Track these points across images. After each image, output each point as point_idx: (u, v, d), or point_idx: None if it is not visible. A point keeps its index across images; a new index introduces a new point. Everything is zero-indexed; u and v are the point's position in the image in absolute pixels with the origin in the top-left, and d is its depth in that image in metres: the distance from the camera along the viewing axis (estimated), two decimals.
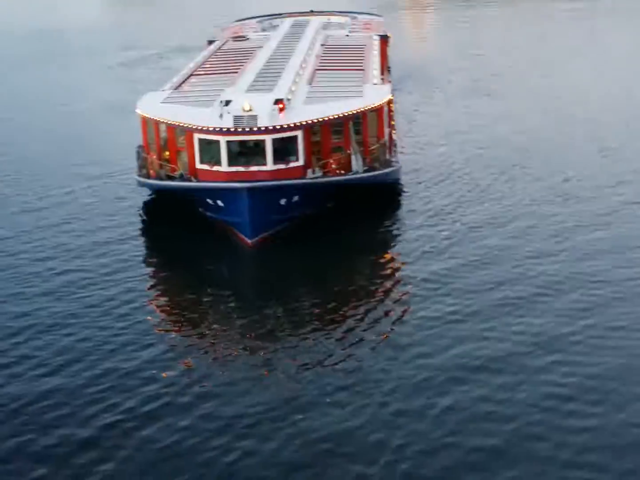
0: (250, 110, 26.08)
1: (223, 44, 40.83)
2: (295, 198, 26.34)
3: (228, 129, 25.81)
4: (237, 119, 25.97)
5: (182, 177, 27.22)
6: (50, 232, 27.74)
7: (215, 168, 26.28)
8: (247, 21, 49.82)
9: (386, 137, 28.93)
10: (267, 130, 25.76)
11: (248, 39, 42.08)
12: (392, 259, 25.70)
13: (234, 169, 26.03)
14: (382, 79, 33.84)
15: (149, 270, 25.68)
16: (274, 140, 25.92)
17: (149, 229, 28.22)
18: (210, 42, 42.40)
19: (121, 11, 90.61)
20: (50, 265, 25.36)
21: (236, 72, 32.78)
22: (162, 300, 24.00)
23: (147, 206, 29.60)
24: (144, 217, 28.92)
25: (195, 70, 34.64)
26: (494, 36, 64.63)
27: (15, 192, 31.72)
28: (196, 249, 26.45)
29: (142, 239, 27.45)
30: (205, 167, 26.52)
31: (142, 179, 28.31)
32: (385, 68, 40.31)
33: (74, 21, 78.77)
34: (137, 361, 20.09)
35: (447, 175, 31.34)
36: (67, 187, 31.73)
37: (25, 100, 46.60)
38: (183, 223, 27.65)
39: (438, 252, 25.30)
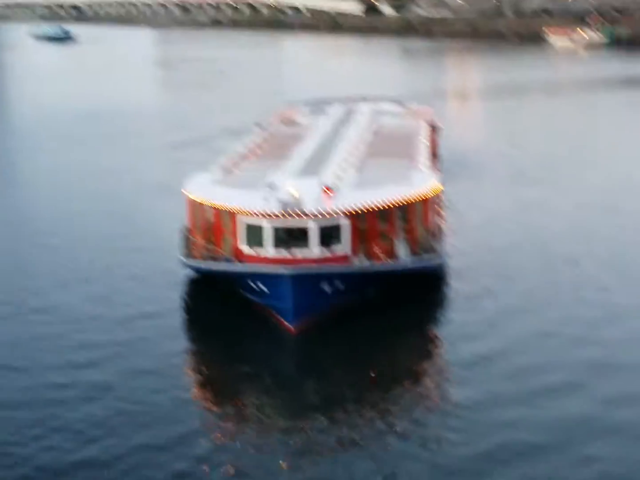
0: (296, 195, 25.93)
1: (273, 128, 41.22)
2: (339, 285, 25.89)
3: (273, 214, 25.68)
4: (283, 203, 25.86)
5: (225, 260, 27.02)
6: (89, 305, 28.02)
7: (259, 252, 26.09)
8: (298, 106, 50.18)
9: (433, 225, 28.46)
10: (312, 216, 25.55)
11: (298, 123, 42.41)
12: (433, 344, 25.26)
13: (278, 253, 25.80)
14: (431, 167, 33.56)
15: (187, 346, 25.60)
16: (320, 226, 25.70)
17: (190, 310, 28.09)
18: (260, 125, 42.76)
19: (174, 93, 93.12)
20: (88, 337, 25.45)
21: (284, 156, 32.89)
22: (198, 377, 23.79)
23: (190, 287, 29.50)
24: (186, 298, 28.83)
25: (243, 153, 34.89)
26: (541, 125, 64.14)
27: (55, 262, 32.34)
28: (236, 331, 26.19)
29: (181, 320, 27.30)
30: (249, 250, 26.36)
31: (185, 260, 28.23)
32: (434, 156, 40.09)
33: (127, 103, 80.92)
34: (169, 436, 19.91)
35: (493, 264, 30.68)
36: (108, 262, 32.06)
37: (74, 178, 47.75)
38: (225, 305, 27.43)
39: (481, 349, 24.51)
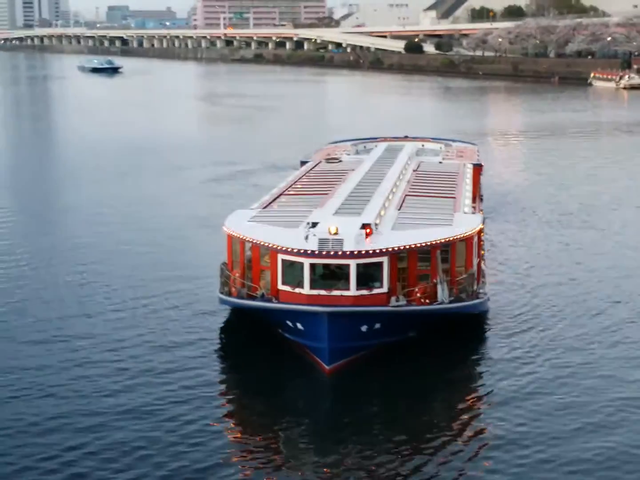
0: (336, 233, 25.52)
1: (315, 165, 40.88)
2: (377, 325, 25.32)
3: (312, 252, 25.25)
4: (322, 241, 25.42)
5: (263, 297, 26.65)
6: (125, 332, 27.87)
7: (297, 290, 25.63)
8: (341, 144, 49.96)
9: (474, 267, 27.78)
10: (351, 255, 25.06)
11: (341, 161, 42.02)
12: (472, 394, 24.25)
13: (315, 292, 25.31)
14: (474, 207, 32.93)
15: (220, 379, 25.10)
16: (359, 266, 25.17)
17: (225, 346, 27.57)
18: (304, 163, 42.48)
19: (217, 127, 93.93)
20: (123, 364, 25.31)
21: (326, 194, 32.50)
22: (232, 420, 23.09)
23: (227, 324, 29.07)
24: (222, 334, 28.36)
25: (285, 190, 34.54)
26: (586, 166, 63.16)
27: (95, 290, 32.32)
28: (272, 370, 25.57)
29: (217, 355, 26.80)
30: (287, 288, 25.91)
31: (223, 297, 27.90)
32: (477, 196, 39.43)
33: (171, 135, 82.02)
34: (199, 467, 19.87)
35: (537, 309, 29.63)
36: (147, 297, 31.65)
37: (117, 209, 47.66)
38: (261, 342, 26.94)
39: (521, 391, 23.68)
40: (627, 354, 26.18)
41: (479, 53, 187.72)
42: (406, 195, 32.32)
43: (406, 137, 50.84)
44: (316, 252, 25.17)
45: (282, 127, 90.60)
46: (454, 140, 51.46)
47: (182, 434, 21.50)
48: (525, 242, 39.71)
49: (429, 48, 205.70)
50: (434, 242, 26.12)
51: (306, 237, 25.77)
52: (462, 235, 26.95)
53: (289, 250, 25.69)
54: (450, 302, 26.06)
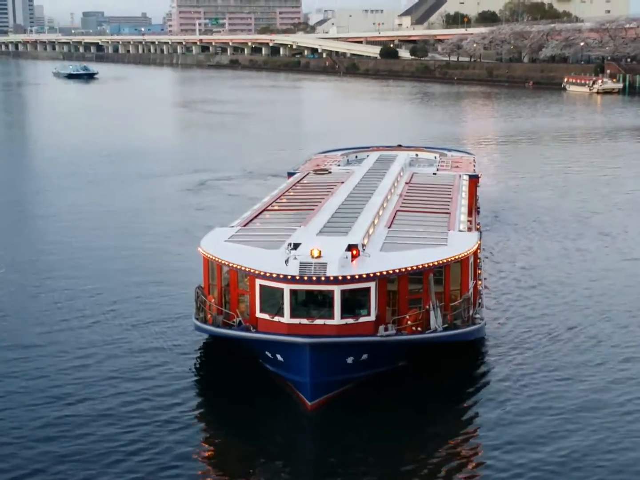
0: (319, 256, 22.79)
1: (303, 177, 37.95)
2: (364, 356, 22.71)
3: (293, 277, 22.48)
4: (303, 265, 22.66)
5: (240, 326, 23.90)
6: (95, 351, 25.73)
7: (277, 318, 22.87)
8: (331, 153, 47.10)
9: (470, 290, 25.18)
10: (335, 281, 22.33)
11: (330, 172, 39.23)
12: (465, 429, 21.81)
13: (296, 321, 22.59)
14: (469, 223, 30.42)
15: (193, 422, 22.28)
16: (343, 292, 22.43)
17: (202, 376, 25.00)
18: (291, 174, 39.48)
19: (193, 133, 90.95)
20: (91, 390, 23.47)
21: (312, 209, 29.78)
22: (208, 456, 20.83)
23: (204, 349, 26.48)
24: (198, 361, 25.82)
25: (269, 205, 31.73)
26: (572, 171, 61.28)
27: (65, 304, 30.24)
28: (249, 404, 22.97)
29: (191, 385, 24.22)
30: (266, 316, 23.17)
31: (198, 324, 25.14)
32: (473, 210, 36.86)
33: (146, 142, 79.24)
34: None
35: (537, 334, 27.19)
36: (118, 317, 29.19)
37: (88, 219, 45.12)
38: (239, 372, 24.44)
39: (517, 424, 21.43)
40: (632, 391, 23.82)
41: (454, 58, 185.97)
42: (397, 210, 29.69)
43: (400, 146, 48.30)
44: (297, 278, 22.44)
45: (260, 133, 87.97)
46: (449, 150, 48.76)
47: (150, 472, 19.53)
48: (523, 256, 37.18)
49: (404, 53, 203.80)
50: (426, 265, 23.48)
51: (286, 261, 23.03)
52: (457, 257, 24.32)
53: (267, 275, 22.96)
54: (444, 329, 23.47)
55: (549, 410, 22.22)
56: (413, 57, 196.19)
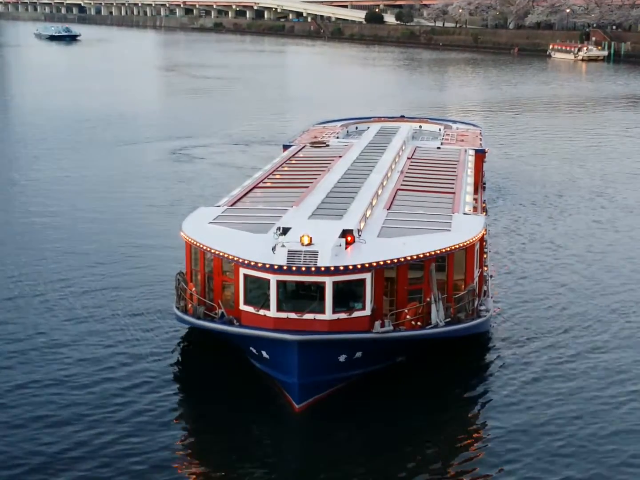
0: (310, 244, 20.17)
1: (299, 150, 35.11)
2: (358, 354, 20.32)
3: (280, 267, 19.90)
4: (292, 254, 20.06)
5: (222, 319, 21.31)
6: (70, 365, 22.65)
7: (262, 312, 20.35)
8: (330, 124, 44.04)
9: (475, 280, 22.63)
10: (327, 272, 19.76)
11: (328, 145, 36.37)
12: (465, 432, 19.72)
13: (284, 315, 20.08)
14: (475, 205, 27.86)
15: (175, 420, 20.20)
16: (336, 284, 19.88)
17: (183, 370, 22.64)
18: (287, 147, 36.59)
19: (177, 99, 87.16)
20: (69, 392, 21.07)
21: (307, 187, 27.11)
22: (188, 461, 18.73)
23: (187, 338, 24.04)
24: (181, 353, 23.46)
25: (260, 182, 28.95)
26: (584, 142, 58.60)
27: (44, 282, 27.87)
28: (235, 403, 20.70)
29: (172, 381, 21.91)
30: (250, 309, 20.62)
31: (179, 313, 22.54)
32: (480, 188, 34.23)
33: (128, 107, 76.01)
34: None
35: (546, 325, 24.85)
36: (96, 301, 26.78)
37: (68, 190, 42.50)
38: (224, 368, 22.13)
39: (522, 438, 19.16)
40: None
41: (439, 24, 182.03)
42: (398, 189, 27.03)
43: (402, 116, 45.48)
44: (284, 268, 19.87)
45: (247, 99, 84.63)
46: (454, 121, 45.90)
47: (130, 471, 17.88)
48: (532, 235, 34.65)
49: (389, 18, 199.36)
50: (427, 254, 20.90)
51: (274, 248, 20.37)
52: (461, 244, 21.77)
53: (252, 264, 20.34)
54: (446, 324, 20.99)
55: (558, 412, 19.95)
56: (398, 22, 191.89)
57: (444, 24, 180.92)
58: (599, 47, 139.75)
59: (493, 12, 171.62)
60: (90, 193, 41.57)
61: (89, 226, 35.49)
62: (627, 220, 37.27)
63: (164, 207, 38.65)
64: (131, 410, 20.21)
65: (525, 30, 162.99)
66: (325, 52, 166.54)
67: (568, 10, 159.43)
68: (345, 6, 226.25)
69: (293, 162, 32.82)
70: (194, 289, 22.55)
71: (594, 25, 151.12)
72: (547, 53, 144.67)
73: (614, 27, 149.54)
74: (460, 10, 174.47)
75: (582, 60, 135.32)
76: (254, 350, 20.77)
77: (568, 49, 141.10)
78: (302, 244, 20.15)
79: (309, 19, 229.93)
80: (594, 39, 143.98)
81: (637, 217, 38.11)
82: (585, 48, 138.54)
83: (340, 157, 32.29)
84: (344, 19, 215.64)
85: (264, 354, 20.40)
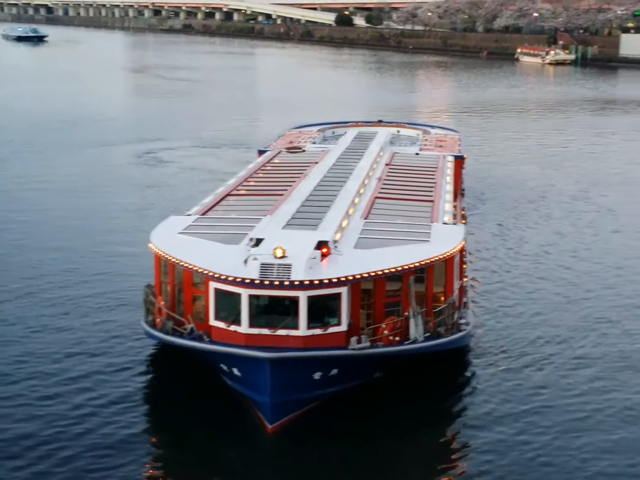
0: (283, 256, 19.18)
1: (274, 156, 34.07)
2: (334, 371, 19.40)
3: (252, 281, 18.87)
4: (264, 267, 19.06)
5: (191, 334, 20.22)
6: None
7: (233, 328, 19.31)
8: (307, 128, 43.02)
9: (455, 293, 21.77)
10: (301, 286, 18.79)
11: (304, 150, 35.40)
12: (447, 453, 18.80)
13: (256, 331, 19.06)
14: (455, 212, 27.08)
15: (141, 439, 19.16)
16: (310, 299, 18.90)
17: (150, 387, 21.55)
18: (262, 152, 35.51)
19: (145, 101, 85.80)
20: (34, 410, 19.88)
21: (281, 195, 26.11)
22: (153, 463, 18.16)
23: (154, 357, 22.90)
24: (149, 367, 22.39)
25: (233, 189, 27.89)
26: (557, 147, 58.09)
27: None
28: (204, 422, 19.64)
29: (139, 398, 20.84)
30: (221, 324, 19.58)
31: (146, 328, 21.41)
32: (458, 195, 33.45)
33: (95, 109, 74.45)
34: None
35: (526, 337, 24.09)
36: (61, 309, 25.70)
37: (29, 194, 41.08)
38: (193, 385, 21.09)
39: (506, 449, 18.39)
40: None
41: (408, 27, 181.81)
42: (376, 197, 26.11)
43: (380, 121, 44.58)
44: (257, 282, 18.82)
45: (217, 101, 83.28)
46: (432, 126, 44.98)
47: None
48: (511, 242, 33.93)
49: (359, 21, 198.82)
50: (406, 267, 19.98)
51: (246, 261, 19.33)
52: (441, 256, 20.85)
53: (222, 277, 19.29)
54: (426, 339, 20.08)
55: (538, 430, 19.15)
56: (368, 25, 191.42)
57: (413, 27, 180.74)
58: (566, 51, 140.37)
59: (462, 15, 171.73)
60: (56, 198, 40.22)
61: (54, 233, 34.21)
62: (606, 224, 36.86)
63: (134, 213, 37.45)
64: (93, 428, 19.20)
65: (493, 33, 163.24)
66: (296, 54, 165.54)
67: (536, 14, 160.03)
68: (315, 9, 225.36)
69: (268, 168, 31.82)
70: (162, 302, 21.44)
71: (562, 29, 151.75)
72: (515, 57, 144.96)
73: (581, 31, 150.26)
74: (430, 14, 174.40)
75: (550, 64, 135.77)
76: (225, 368, 19.76)
77: (536, 52, 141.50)
78: (276, 257, 19.19)
79: (279, 21, 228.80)
80: (561, 42, 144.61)
81: (615, 219, 37.74)
82: (552, 52, 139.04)
83: (316, 163, 31.36)
84: (313, 22, 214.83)
85: (236, 371, 19.41)
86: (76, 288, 27.71)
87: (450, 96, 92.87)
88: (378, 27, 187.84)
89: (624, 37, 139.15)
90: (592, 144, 59.76)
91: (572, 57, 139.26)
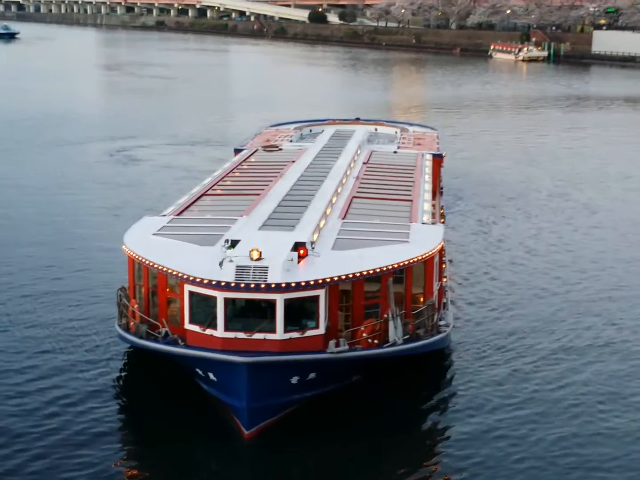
0: (259, 258, 18.69)
1: (251, 155, 33.46)
2: (312, 375, 18.95)
3: (227, 283, 18.37)
4: (240, 270, 18.55)
5: (166, 338, 19.67)
6: None
7: (209, 331, 18.80)
8: (284, 126, 42.44)
9: (435, 294, 21.39)
10: (278, 288, 18.30)
11: (281, 149, 34.83)
12: (427, 459, 18.38)
13: (232, 334, 18.55)
14: (434, 210, 26.67)
15: (114, 443, 18.63)
16: (287, 302, 18.44)
17: (125, 387, 21.07)
18: (238, 151, 34.85)
19: (118, 98, 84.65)
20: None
21: (258, 194, 25.58)
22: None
23: (128, 359, 22.28)
24: (123, 370, 21.78)
25: (209, 189, 27.28)
26: (532, 143, 58.04)
27: None
28: (179, 427, 19.06)
29: (111, 401, 20.24)
30: (196, 328, 19.04)
31: (121, 331, 20.85)
32: (437, 193, 33.06)
33: (68, 107, 73.36)
34: None
35: (505, 338, 23.74)
36: (34, 315, 24.83)
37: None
38: (168, 389, 20.50)
39: (487, 455, 18.04)
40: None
41: (382, 24, 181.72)
42: (354, 197, 25.63)
43: (358, 119, 44.03)
44: (232, 284, 18.32)
45: (191, 99, 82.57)
46: (410, 124, 44.50)
47: None
48: (489, 240, 33.63)
49: (333, 18, 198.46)
50: (385, 268, 19.56)
51: (221, 263, 18.82)
52: (420, 257, 20.45)
53: (197, 280, 18.76)
54: (405, 341, 19.68)
55: (518, 436, 18.87)
56: (342, 21, 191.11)
57: (386, 24, 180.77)
58: (539, 48, 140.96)
59: (435, 12, 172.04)
60: (27, 198, 39.35)
61: (25, 231, 33.46)
62: (585, 220, 36.90)
63: (107, 211, 36.79)
64: (65, 431, 18.68)
65: (467, 30, 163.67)
66: (270, 51, 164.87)
67: (509, 11, 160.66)
68: (289, 5, 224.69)
69: (244, 167, 31.26)
70: (136, 305, 20.88)
71: (534, 26, 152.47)
72: (489, 53, 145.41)
73: (554, 28, 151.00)
74: (403, 10, 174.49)
75: (523, 60, 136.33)
76: (201, 372, 19.26)
77: (509, 49, 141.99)
78: (252, 259, 18.69)
79: (252, 18, 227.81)
80: (534, 39, 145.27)
81: (593, 215, 37.77)
82: (525, 49, 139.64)
83: (293, 162, 30.85)
84: (287, 18, 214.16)
85: (211, 376, 18.91)
86: (47, 288, 27.05)
87: (425, 93, 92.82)
88: (351, 24, 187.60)
89: (596, 33, 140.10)
90: (568, 139, 60.00)
91: (545, 53, 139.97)
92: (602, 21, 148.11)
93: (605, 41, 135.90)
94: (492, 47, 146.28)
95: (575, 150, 55.69)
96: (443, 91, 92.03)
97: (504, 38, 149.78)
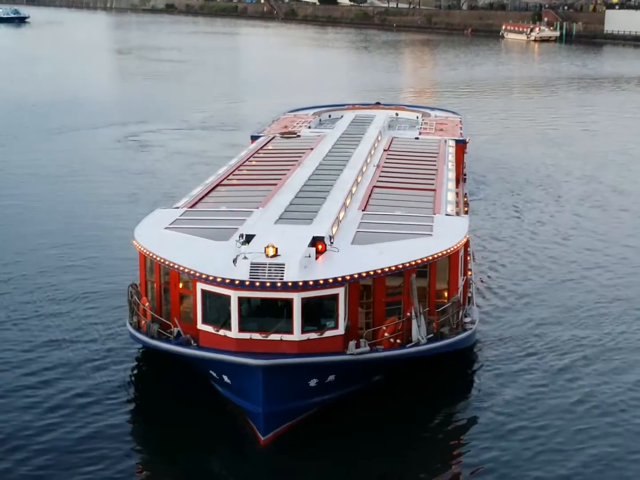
0: (275, 255, 17.50)
1: (268, 142, 32.14)
2: (331, 378, 17.84)
3: (241, 282, 17.20)
4: (255, 267, 17.37)
5: (178, 339, 18.57)
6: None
7: (223, 332, 17.66)
8: (303, 112, 40.94)
9: (460, 291, 20.14)
10: (295, 287, 17.12)
11: (299, 136, 33.43)
12: (449, 451, 17.54)
13: (247, 335, 17.42)
14: (457, 200, 25.31)
15: (127, 447, 17.66)
16: (305, 301, 17.25)
17: (137, 394, 19.94)
18: (255, 138, 33.56)
19: (130, 82, 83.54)
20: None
21: (275, 184, 24.36)
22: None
23: (140, 359, 21.28)
24: (132, 374, 20.69)
25: (224, 178, 26.04)
26: (551, 126, 56.34)
27: None
28: (193, 431, 18.00)
29: (126, 407, 19.20)
30: (209, 328, 17.91)
31: (132, 330, 19.77)
32: (460, 180, 31.60)
33: (80, 92, 72.14)
34: None
35: (533, 334, 22.46)
36: (45, 310, 23.79)
37: (10, 182, 39.10)
38: (182, 391, 19.45)
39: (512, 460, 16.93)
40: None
41: (392, 5, 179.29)
42: (374, 187, 24.34)
43: (378, 103, 42.48)
44: (247, 283, 17.14)
45: (203, 83, 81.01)
46: (432, 109, 42.87)
47: None
48: (515, 230, 32.20)
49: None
50: (407, 264, 18.32)
51: (235, 260, 17.64)
52: (445, 252, 19.20)
53: (210, 278, 17.60)
54: (429, 340, 18.50)
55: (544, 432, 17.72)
56: (352, 3, 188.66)
57: (397, 5, 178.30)
58: (551, 28, 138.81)
59: None
60: (37, 187, 38.34)
61: (33, 225, 32.34)
62: (614, 203, 35.51)
63: (119, 198, 35.80)
64: (77, 436, 17.74)
65: (478, 11, 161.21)
66: (280, 33, 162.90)
67: None
68: None
69: (261, 155, 29.98)
70: (147, 303, 19.76)
71: (546, 5, 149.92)
72: (500, 34, 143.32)
73: (566, 8, 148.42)
74: None
75: (535, 40, 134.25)
76: (215, 374, 18.16)
77: (520, 29, 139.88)
78: (267, 255, 17.50)
79: (262, 0, 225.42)
80: (545, 19, 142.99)
81: (622, 199, 36.45)
82: (537, 29, 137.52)
83: (311, 149, 29.55)
84: (297, 0, 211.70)
85: (226, 378, 17.82)
86: (56, 283, 26.05)
87: (439, 75, 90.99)
88: (362, 5, 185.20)
89: (609, 13, 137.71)
90: (587, 121, 58.39)
91: (557, 33, 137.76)
92: (615, 0, 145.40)
93: (618, 20, 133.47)
94: (503, 27, 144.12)
95: (594, 131, 54.22)
96: (457, 73, 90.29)
97: (516, 18, 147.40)
